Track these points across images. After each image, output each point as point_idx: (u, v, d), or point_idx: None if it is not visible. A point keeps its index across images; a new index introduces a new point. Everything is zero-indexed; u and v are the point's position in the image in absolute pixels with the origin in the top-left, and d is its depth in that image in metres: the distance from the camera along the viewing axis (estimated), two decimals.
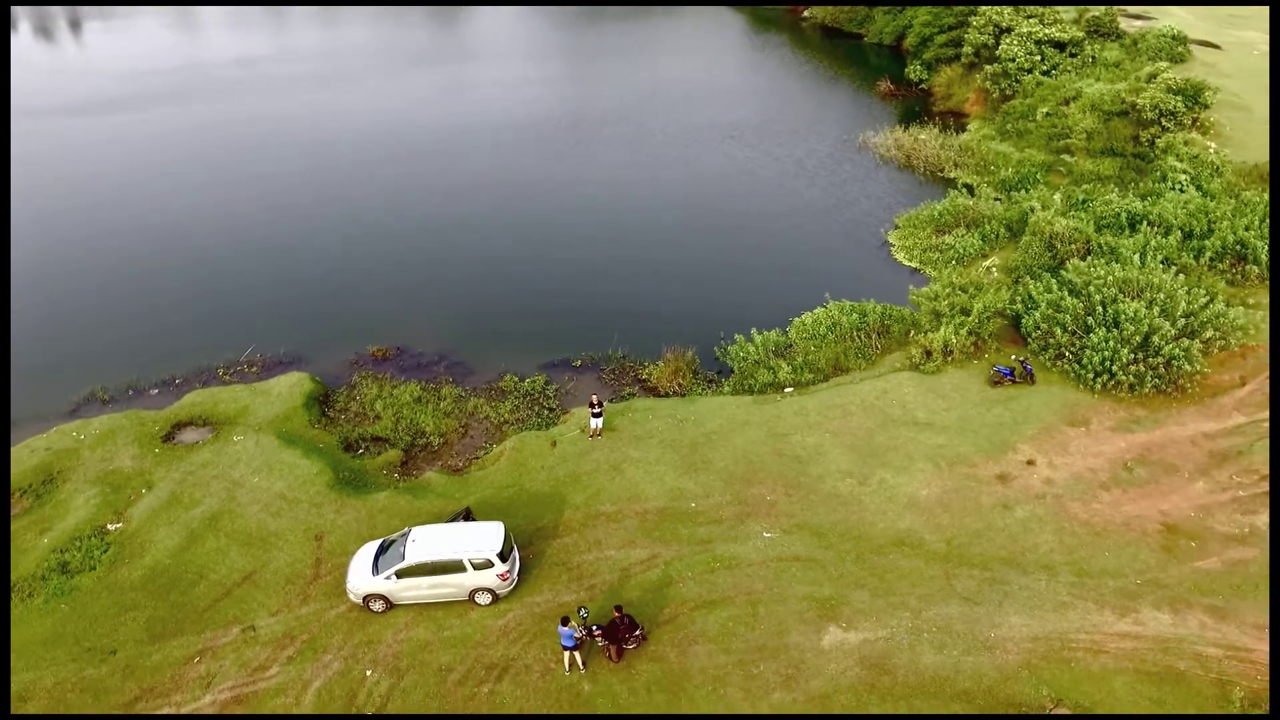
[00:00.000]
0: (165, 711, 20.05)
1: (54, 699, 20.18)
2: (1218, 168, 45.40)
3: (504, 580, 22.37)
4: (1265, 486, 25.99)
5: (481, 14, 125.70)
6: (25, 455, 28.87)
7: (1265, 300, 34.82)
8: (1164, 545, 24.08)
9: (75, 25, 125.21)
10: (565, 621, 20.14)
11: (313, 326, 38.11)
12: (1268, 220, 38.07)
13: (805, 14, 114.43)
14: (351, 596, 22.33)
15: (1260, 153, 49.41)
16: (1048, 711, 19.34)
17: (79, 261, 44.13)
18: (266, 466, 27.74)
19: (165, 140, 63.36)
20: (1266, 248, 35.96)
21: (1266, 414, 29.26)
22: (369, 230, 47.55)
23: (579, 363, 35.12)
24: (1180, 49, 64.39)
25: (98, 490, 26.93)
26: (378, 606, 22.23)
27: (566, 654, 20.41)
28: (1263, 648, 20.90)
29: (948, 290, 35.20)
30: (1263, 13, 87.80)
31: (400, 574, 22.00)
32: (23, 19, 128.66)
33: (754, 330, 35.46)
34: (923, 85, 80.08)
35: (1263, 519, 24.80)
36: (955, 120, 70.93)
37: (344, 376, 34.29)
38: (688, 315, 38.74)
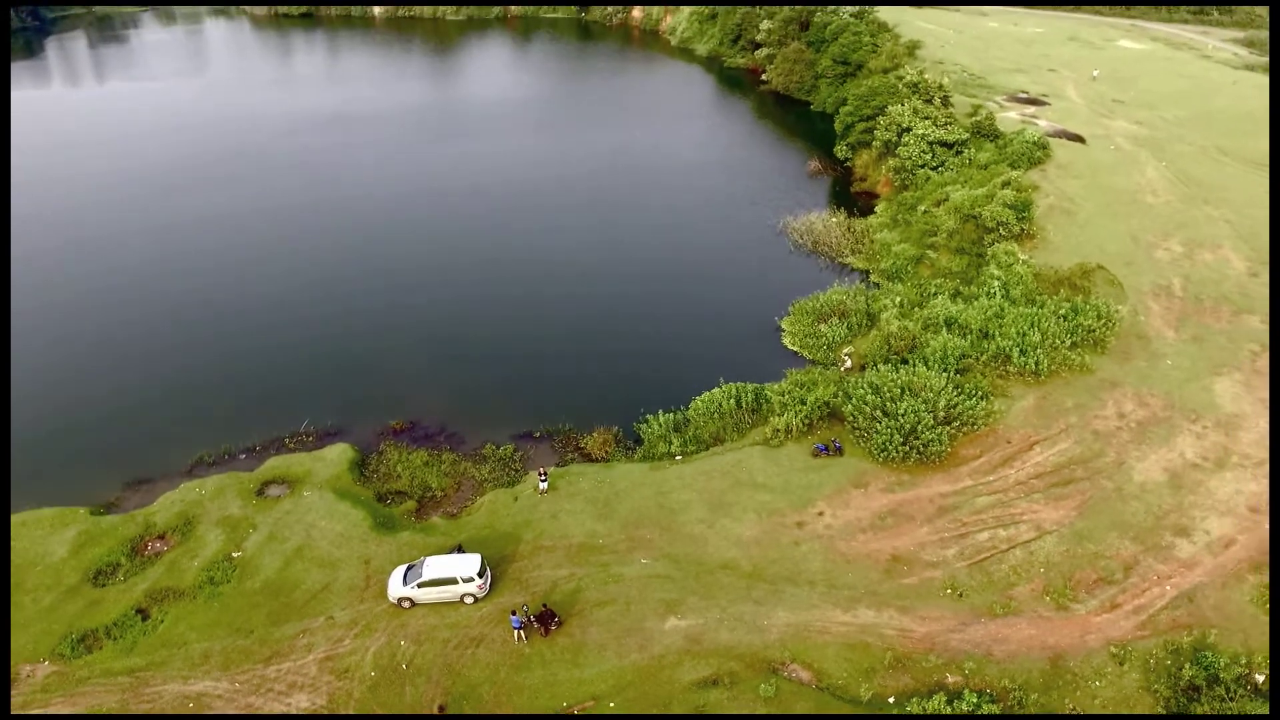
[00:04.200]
0: (286, 665, 35.06)
1: (225, 657, 35.23)
2: (1022, 277, 60.33)
3: (481, 589, 37.43)
4: (964, 530, 41.10)
5: (475, 69, 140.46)
6: (168, 505, 43.89)
7: (1017, 392, 49.87)
8: (886, 569, 39.17)
9: (101, 79, 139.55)
10: (514, 612, 35.27)
11: (348, 403, 52.95)
12: (1035, 325, 53.09)
13: (764, 76, 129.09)
14: (390, 598, 37.40)
15: (1071, 255, 64.51)
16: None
17: (157, 347, 59.16)
18: (329, 514, 42.78)
19: (212, 225, 78.39)
20: (1020, 353, 51.03)
21: (988, 478, 44.39)
22: (382, 319, 62.57)
23: (538, 434, 50.17)
24: (1040, 153, 79.26)
25: (221, 530, 41.95)
26: (406, 605, 37.30)
27: (515, 631, 35.46)
28: (921, 629, 35.97)
29: (791, 385, 50.20)
30: (1139, 100, 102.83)
31: (420, 585, 37.00)
32: (55, 76, 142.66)
33: (660, 411, 50.39)
34: (847, 163, 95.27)
35: (953, 551, 39.90)
36: (869, 199, 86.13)
37: (373, 445, 49.26)
38: (620, 392, 53.86)
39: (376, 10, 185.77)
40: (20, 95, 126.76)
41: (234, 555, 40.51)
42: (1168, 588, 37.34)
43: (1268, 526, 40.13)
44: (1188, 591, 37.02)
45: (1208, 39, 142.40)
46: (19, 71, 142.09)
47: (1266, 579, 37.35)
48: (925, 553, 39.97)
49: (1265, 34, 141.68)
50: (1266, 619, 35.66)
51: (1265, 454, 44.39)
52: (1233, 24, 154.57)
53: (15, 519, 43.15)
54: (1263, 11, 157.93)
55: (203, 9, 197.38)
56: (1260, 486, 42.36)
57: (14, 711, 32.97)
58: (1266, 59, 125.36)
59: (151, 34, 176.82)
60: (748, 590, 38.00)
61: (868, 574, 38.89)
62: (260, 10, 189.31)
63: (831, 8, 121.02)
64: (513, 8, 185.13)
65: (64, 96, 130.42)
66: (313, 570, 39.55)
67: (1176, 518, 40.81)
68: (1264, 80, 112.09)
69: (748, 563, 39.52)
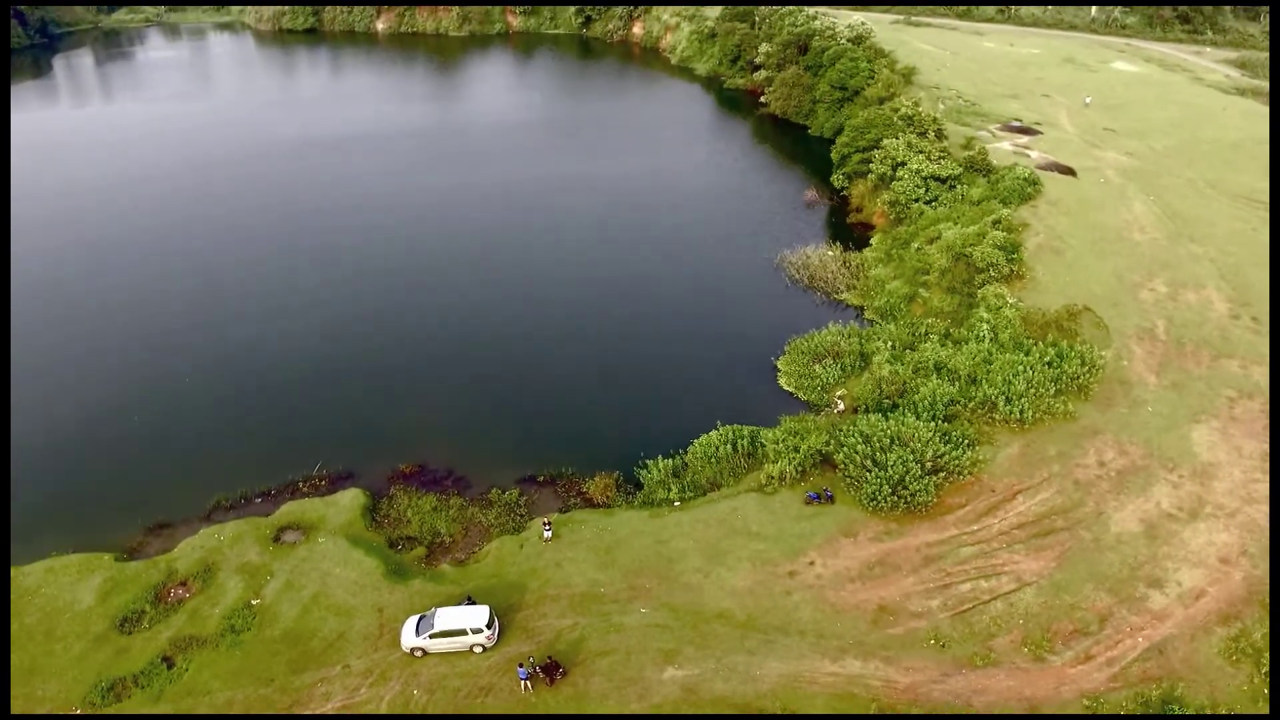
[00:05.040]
0: (305, 713, 37.12)
1: (248, 705, 37.29)
2: (1010, 320, 62.28)
3: (489, 640, 39.49)
4: (948, 581, 43.14)
5: (476, 87, 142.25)
6: (189, 552, 45.91)
7: (1003, 439, 51.91)
8: (873, 619, 41.22)
9: (109, 99, 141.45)
10: (521, 664, 37.36)
11: (358, 444, 54.90)
12: (1021, 373, 55.11)
13: (763, 99, 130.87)
14: (403, 648, 39.43)
15: (1059, 297, 66.45)
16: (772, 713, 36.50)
17: (170, 387, 61.15)
18: (343, 561, 44.83)
19: (222, 261, 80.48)
20: (1005, 401, 53.06)
21: (973, 528, 46.44)
22: (388, 358, 64.52)
23: (542, 478, 52.19)
24: (1031, 189, 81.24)
25: (241, 578, 44.00)
26: (418, 654, 39.34)
27: (522, 681, 37.53)
28: (904, 680, 38.03)
29: (785, 433, 52.23)
30: (1130, 128, 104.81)
31: (431, 635, 39.05)
32: (64, 93, 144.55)
33: (659, 456, 52.39)
34: (844, 192, 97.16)
35: (937, 602, 41.94)
36: (865, 230, 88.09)
37: (384, 489, 51.26)
38: (619, 431, 55.93)
39: (379, 25, 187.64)
40: (31, 117, 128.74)
41: (254, 603, 42.54)
42: (1140, 639, 39.39)
43: (1238, 577, 42.22)
44: (1159, 644, 39.06)
45: (1201, 59, 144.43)
46: (28, 91, 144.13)
47: (1234, 631, 39.42)
48: (911, 603, 41.99)
49: (1257, 55, 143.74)
50: (1233, 670, 37.75)
51: (1237, 504, 46.44)
52: (1226, 44, 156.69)
53: (43, 565, 45.23)
54: (1255, 30, 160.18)
55: (206, 24, 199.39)
56: (1231, 537, 44.41)
57: None
58: (1258, 81, 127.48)
59: (157, 50, 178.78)
60: (741, 640, 40.04)
61: (855, 624, 40.93)
62: (265, 25, 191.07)
63: (830, 32, 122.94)
64: (512, 15, 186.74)
65: (72, 118, 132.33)
66: (329, 618, 41.60)
67: (1150, 569, 42.86)
68: (1253, 106, 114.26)
69: (742, 612, 41.57)
